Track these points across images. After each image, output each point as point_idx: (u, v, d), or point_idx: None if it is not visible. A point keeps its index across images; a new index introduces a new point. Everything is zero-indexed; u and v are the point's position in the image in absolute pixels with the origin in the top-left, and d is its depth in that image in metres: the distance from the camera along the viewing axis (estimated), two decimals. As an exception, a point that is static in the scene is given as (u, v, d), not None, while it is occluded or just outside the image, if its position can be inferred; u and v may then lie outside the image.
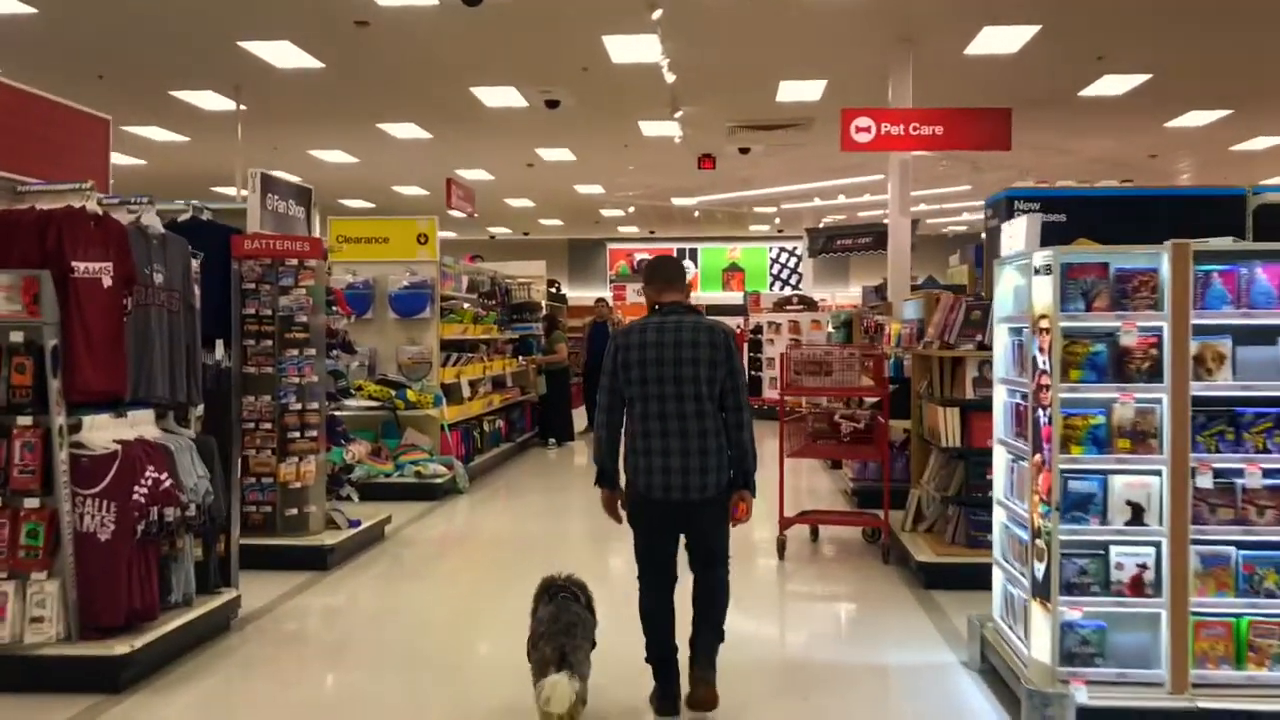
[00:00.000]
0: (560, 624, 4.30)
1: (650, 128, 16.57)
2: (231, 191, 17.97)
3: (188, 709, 4.88)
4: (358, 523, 7.80)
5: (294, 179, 8.69)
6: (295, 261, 7.31)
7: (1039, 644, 4.25)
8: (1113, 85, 13.94)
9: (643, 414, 4.42)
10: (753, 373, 17.91)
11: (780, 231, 31.61)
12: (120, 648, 4.77)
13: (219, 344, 7.01)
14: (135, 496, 4.81)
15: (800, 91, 14.27)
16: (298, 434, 7.31)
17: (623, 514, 4.60)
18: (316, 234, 8.73)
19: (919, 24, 11.46)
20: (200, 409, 5.80)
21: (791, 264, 32.93)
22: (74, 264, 4.83)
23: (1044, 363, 4.20)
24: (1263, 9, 10.91)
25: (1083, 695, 4.08)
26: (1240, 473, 4.15)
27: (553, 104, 14.67)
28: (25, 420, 4.76)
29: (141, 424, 5.22)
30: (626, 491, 4.55)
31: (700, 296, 28.22)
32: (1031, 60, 12.50)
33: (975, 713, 4.75)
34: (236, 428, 7.14)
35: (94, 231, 4.97)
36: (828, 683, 5.24)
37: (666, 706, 4.52)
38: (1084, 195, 7.27)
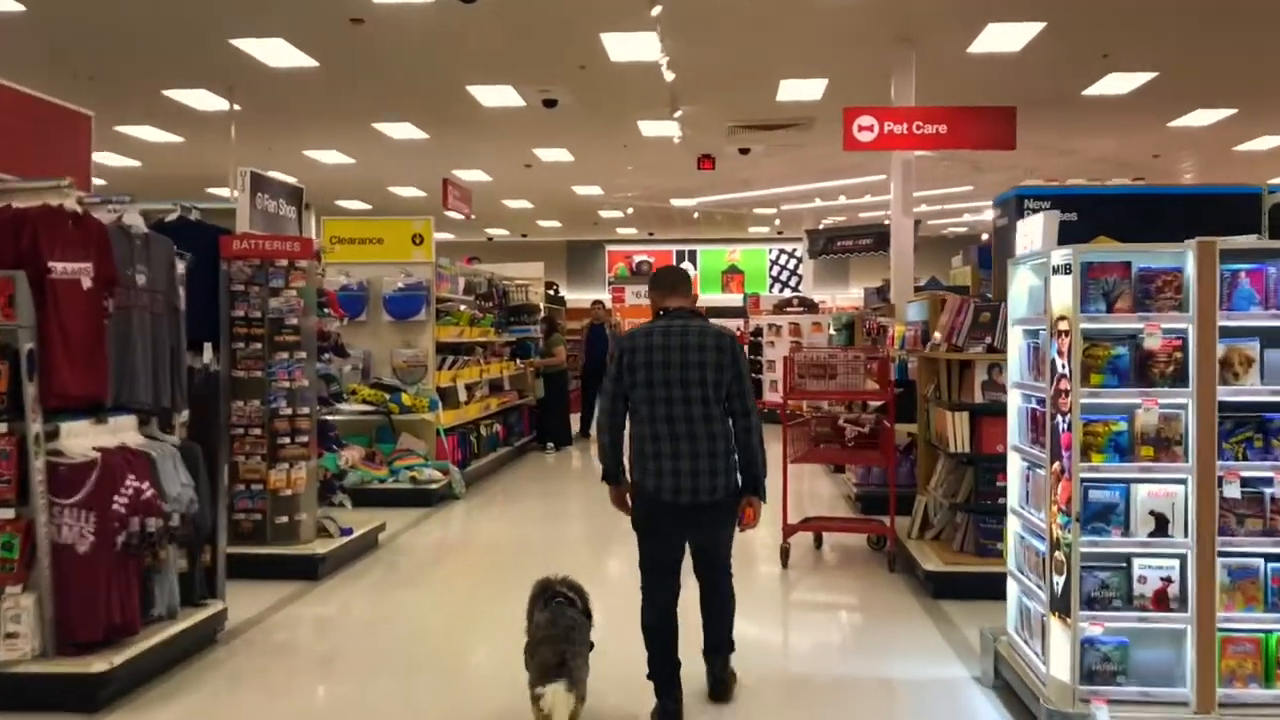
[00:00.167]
0: (558, 629, 4.26)
1: (649, 128, 16.39)
2: (226, 192, 17.80)
3: (170, 727, 4.70)
4: (350, 530, 7.61)
5: (288, 179, 8.51)
6: (285, 262, 7.12)
7: (1058, 661, 4.06)
8: (1117, 84, 13.78)
9: (650, 417, 4.42)
10: (753, 375, 17.71)
11: (780, 233, 31.43)
12: (99, 665, 4.58)
13: (207, 347, 6.82)
14: (115, 506, 4.62)
15: (801, 91, 14.10)
16: (288, 440, 7.13)
17: (630, 505, 4.61)
18: (308, 234, 8.54)
19: (921, 21, 11.29)
20: (185, 415, 5.60)
21: (791, 266, 32.77)
22: (51, 264, 4.65)
23: (1063, 366, 4.01)
24: (1271, 7, 10.75)
25: (1104, 715, 3.90)
26: (1270, 481, 3.97)
27: (550, 103, 14.48)
28: (0, 427, 4.57)
29: (123, 430, 5.04)
30: (634, 494, 4.55)
31: (699, 299, 27.97)
32: (1035, 58, 12.33)
33: (989, 731, 4.58)
34: (225, 433, 6.97)
35: (73, 231, 4.78)
36: (834, 697, 5.07)
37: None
38: (1096, 194, 7.08)
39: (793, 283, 31.82)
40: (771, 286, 32.12)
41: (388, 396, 10.04)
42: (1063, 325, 4.02)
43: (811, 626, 6.59)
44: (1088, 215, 6.39)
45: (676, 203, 24.49)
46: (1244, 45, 12.16)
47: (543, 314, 15.77)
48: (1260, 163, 19.44)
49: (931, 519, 7.20)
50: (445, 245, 28.40)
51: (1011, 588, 4.81)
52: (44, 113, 6.04)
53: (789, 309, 18.76)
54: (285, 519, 7.16)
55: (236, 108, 14.39)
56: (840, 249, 24.08)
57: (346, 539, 7.51)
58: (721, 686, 4.81)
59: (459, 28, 11.24)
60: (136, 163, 19.00)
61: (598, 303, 16.61)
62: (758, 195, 23.03)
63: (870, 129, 11.21)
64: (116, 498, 4.63)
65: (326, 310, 7.77)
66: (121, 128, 16.31)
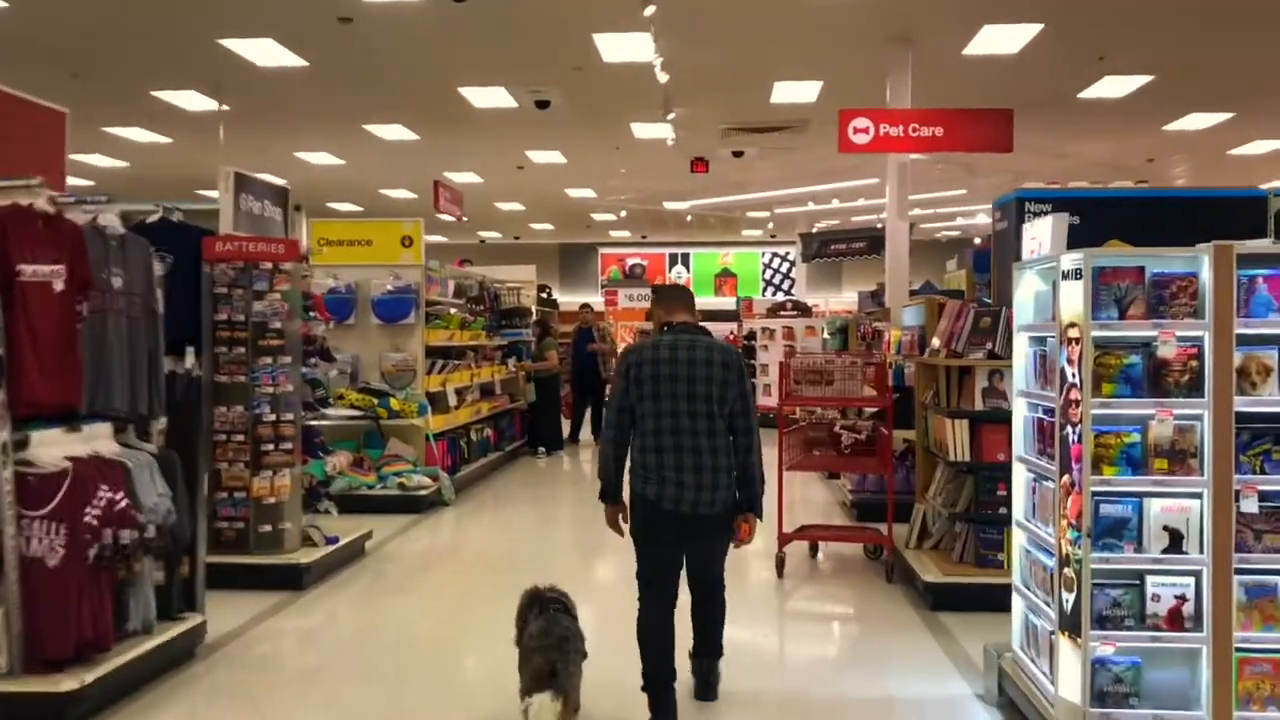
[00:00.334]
0: (552, 638, 4.24)
1: (642, 130, 16.24)
2: (216, 194, 17.60)
3: (144, 747, 4.53)
4: (335, 539, 7.43)
5: (278, 181, 8.33)
6: (270, 265, 6.95)
7: (1067, 681, 3.91)
8: (1113, 87, 13.68)
9: (655, 429, 4.46)
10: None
11: (773, 236, 31.32)
12: (69, 683, 4.39)
13: (189, 351, 6.67)
14: (87, 518, 4.45)
15: (795, 93, 13.97)
16: (272, 446, 6.94)
17: (624, 527, 4.63)
18: (294, 236, 8.36)
19: (918, 22, 11.16)
20: (163, 422, 5.43)
21: (784, 269, 32.69)
22: (20, 266, 4.47)
23: (1073, 375, 3.86)
24: (1268, 8, 10.64)
25: (1116, 738, 3.75)
26: (1289, 496, 3.82)
27: (543, 104, 14.32)
28: (-34, 436, 4.40)
29: (97, 439, 4.86)
30: (632, 505, 4.56)
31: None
32: (1032, 60, 12.21)
33: (994, 752, 4.43)
34: (207, 440, 6.80)
35: (44, 231, 4.61)
36: (831, 713, 4.94)
37: None
38: (1099, 196, 6.95)
39: (785, 286, 31.73)
40: (764, 290, 32.04)
41: (376, 401, 9.86)
42: (1073, 332, 3.86)
43: (807, 638, 6.43)
44: (1090, 218, 6.26)
45: (669, 205, 24.35)
46: (1241, 48, 12.06)
47: (535, 317, 15.60)
48: (1255, 167, 19.36)
49: (930, 528, 7.05)
50: (437, 248, 28.21)
51: (1016, 603, 4.65)
52: (14, 109, 5.85)
53: (782, 313, 18.61)
54: (269, 527, 6.98)
55: (225, 108, 14.23)
56: (834, 252, 23.99)
57: (332, 547, 7.34)
58: (709, 687, 4.91)
59: (450, 27, 11.08)
60: (125, 164, 18.83)
61: (585, 306, 16.44)
62: (751, 198, 22.89)
63: (865, 131, 11.06)
64: (88, 509, 4.45)
65: (312, 313, 7.59)
66: (109, 128, 16.14)
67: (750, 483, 4.56)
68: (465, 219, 19.53)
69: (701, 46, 11.95)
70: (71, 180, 19.69)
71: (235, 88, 13.46)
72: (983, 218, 25.93)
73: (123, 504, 4.62)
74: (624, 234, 31.53)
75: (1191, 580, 3.82)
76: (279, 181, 8.29)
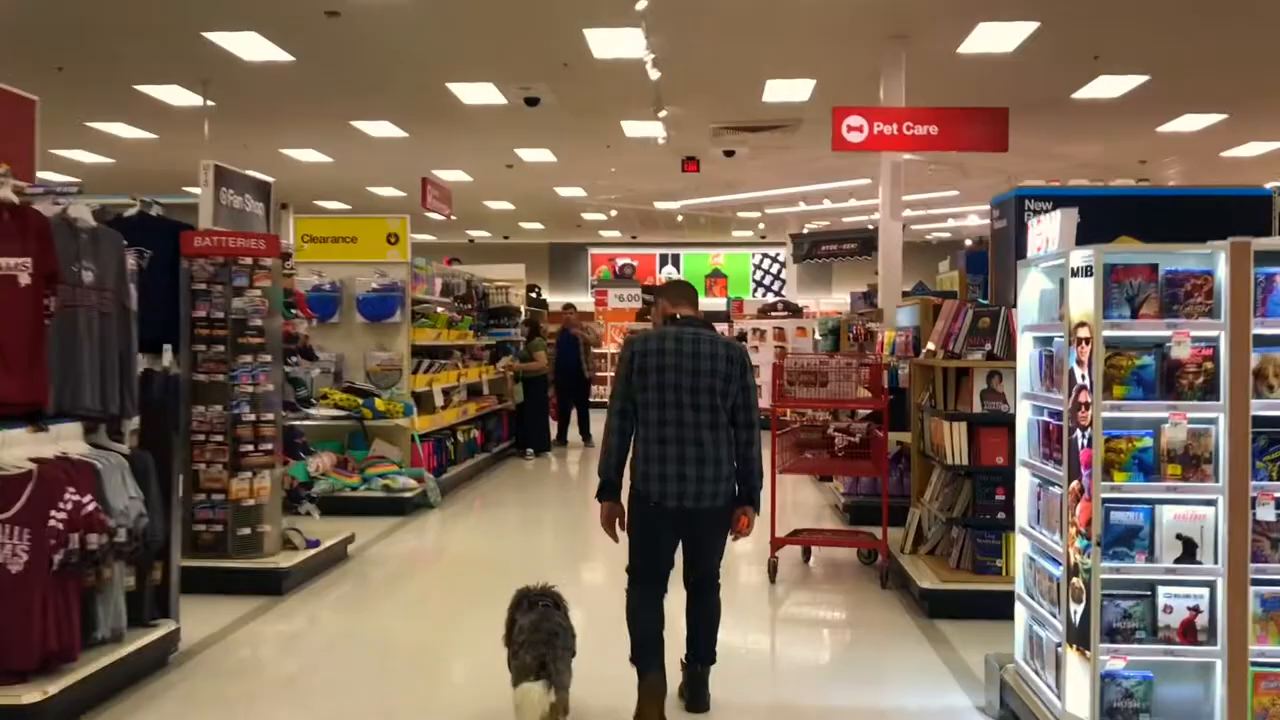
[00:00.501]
0: (542, 633, 4.25)
1: (633, 128, 16.08)
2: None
3: (111, 761, 4.35)
4: (316, 542, 7.23)
5: (258, 175, 8.15)
6: (250, 261, 6.75)
7: (1075, 696, 3.75)
8: (1108, 87, 13.58)
9: (659, 420, 4.46)
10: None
11: (763, 237, 31.19)
12: (31, 695, 4.19)
13: (167, 349, 6.47)
14: (52, 523, 4.25)
15: (788, 91, 13.83)
16: (251, 447, 6.75)
17: (619, 533, 4.60)
18: (275, 233, 8.16)
19: (913, 19, 11.03)
20: (135, 422, 5.24)
21: (774, 270, 32.59)
22: (-18, 259, 4.28)
23: (1083, 377, 3.70)
24: (1267, 11, 10.54)
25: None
26: (1307, 503, 3.66)
27: (532, 101, 14.15)
28: (-74, 436, 4.21)
29: (66, 439, 4.67)
30: (631, 498, 4.56)
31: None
32: (1027, 59, 12.09)
33: (997, 767, 4.27)
34: (184, 441, 6.62)
35: (9, 223, 4.42)
36: (828, 729, 4.76)
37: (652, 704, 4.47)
38: (1100, 195, 6.80)
39: (775, 287, 31.61)
40: (755, 291, 31.94)
41: (360, 401, 9.66)
42: (1083, 332, 3.70)
43: (801, 646, 6.25)
44: (1091, 216, 6.08)
45: (660, 205, 24.19)
46: (1236, 47, 11.98)
47: (524, 317, 15.42)
48: (1247, 168, 19.29)
49: (925, 533, 6.89)
50: (426, 247, 28.03)
51: (1020, 612, 4.48)
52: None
53: (773, 313, 18.46)
54: (248, 530, 6.78)
55: (210, 104, 14.01)
56: (824, 253, 23.88)
57: (313, 551, 7.14)
58: (700, 698, 4.75)
59: (438, 21, 10.92)
60: (110, 160, 18.59)
61: (569, 307, 16.28)
62: (742, 199, 22.75)
63: (859, 129, 10.93)
64: (54, 513, 4.25)
65: (294, 311, 7.41)
66: (93, 123, 15.92)
67: (751, 475, 4.56)
68: (453, 217, 19.36)
69: (694, 43, 11.81)
70: (56, 176, 19.49)
71: (221, 83, 13.25)
72: (974, 219, 25.85)
73: (91, 507, 4.42)
74: (614, 234, 31.37)
75: (1205, 591, 3.66)
76: (261, 176, 8.10)
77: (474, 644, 5.88)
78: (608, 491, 4.58)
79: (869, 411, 8.23)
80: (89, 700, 4.61)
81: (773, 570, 7.15)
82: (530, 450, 13.97)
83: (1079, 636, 3.73)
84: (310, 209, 23.01)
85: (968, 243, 25.97)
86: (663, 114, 14.26)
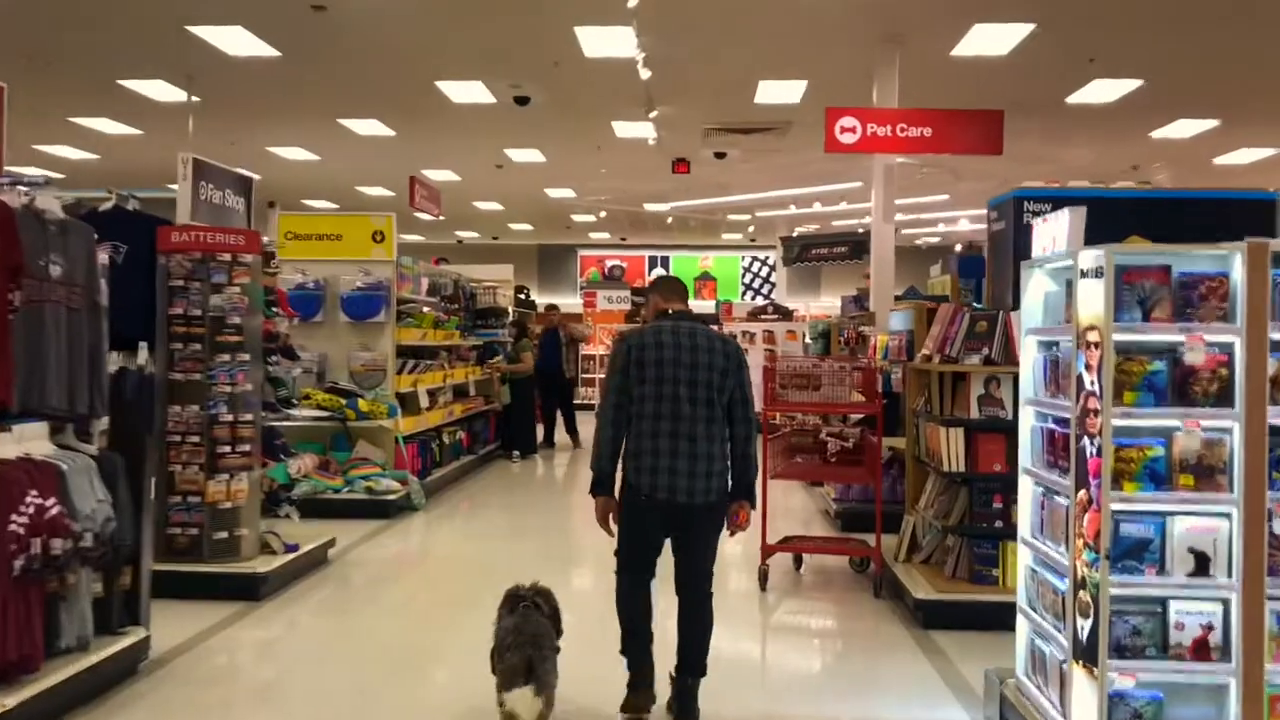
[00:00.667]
0: (525, 634, 4.22)
1: (624, 129, 15.92)
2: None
3: (74, 776, 4.16)
4: (295, 546, 7.04)
5: (244, 171, 7.97)
6: (228, 257, 6.56)
7: (1082, 715, 3.59)
8: (1102, 91, 13.49)
9: (655, 414, 4.44)
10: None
11: (753, 240, 31.07)
12: (-10, 707, 4.02)
13: (142, 347, 6.29)
14: (13, 526, 4.06)
15: (780, 93, 13.69)
16: (228, 448, 6.55)
17: (614, 527, 4.58)
18: (257, 230, 7.98)
19: (907, 20, 10.90)
20: (105, 422, 5.05)
21: (764, 273, 32.47)
22: (-58, 250, 4.09)
23: (1092, 383, 3.55)
24: (1264, 14, 10.45)
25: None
26: (1326, 517, 3.51)
27: (522, 100, 13.98)
28: (-118, 435, 4.02)
29: (31, 439, 4.48)
30: (623, 491, 4.54)
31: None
32: (1022, 62, 11.97)
33: (997, 787, 4.11)
34: (159, 441, 6.43)
35: (-30, 213, 4.23)
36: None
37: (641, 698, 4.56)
38: (1102, 196, 6.65)
39: (765, 290, 31.49)
40: (744, 294, 31.80)
41: (344, 402, 9.47)
42: (1092, 336, 3.55)
43: (793, 658, 6.09)
44: (1093, 220, 5.96)
45: (650, 207, 24.04)
46: (1232, 53, 11.90)
47: (512, 317, 15.23)
48: (1239, 176, 19.22)
49: (920, 541, 6.75)
50: (415, 247, 27.80)
51: (1021, 626, 4.32)
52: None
53: (763, 316, 18.30)
54: (224, 534, 6.59)
55: (195, 99, 13.80)
56: (815, 256, 23.74)
57: (291, 555, 6.95)
58: (689, 712, 4.60)
59: (427, 18, 10.74)
60: (95, 156, 18.35)
61: (552, 307, 16.10)
62: (732, 201, 22.61)
63: (853, 130, 10.79)
64: (15, 517, 4.06)
65: (275, 309, 7.22)
66: (77, 119, 15.69)
67: (748, 472, 4.57)
68: (442, 217, 19.16)
69: (685, 43, 11.67)
70: (41, 172, 19.22)
71: (205, 78, 13.05)
72: (965, 224, 25.75)
73: (54, 511, 4.24)
74: (603, 235, 31.20)
75: (1219, 607, 3.50)
76: (243, 171, 7.92)
77: (458, 650, 5.74)
78: (602, 486, 4.54)
79: (860, 416, 8.08)
80: (52, 712, 4.42)
81: (764, 578, 6.99)
82: (517, 452, 13.78)
83: (1086, 653, 3.57)
84: (298, 208, 22.76)
85: (958, 248, 25.94)
86: (653, 114, 14.12)
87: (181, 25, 11.01)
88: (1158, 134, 16.10)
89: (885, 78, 11.59)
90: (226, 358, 6.56)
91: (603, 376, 4.89)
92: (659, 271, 32.67)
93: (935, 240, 28.72)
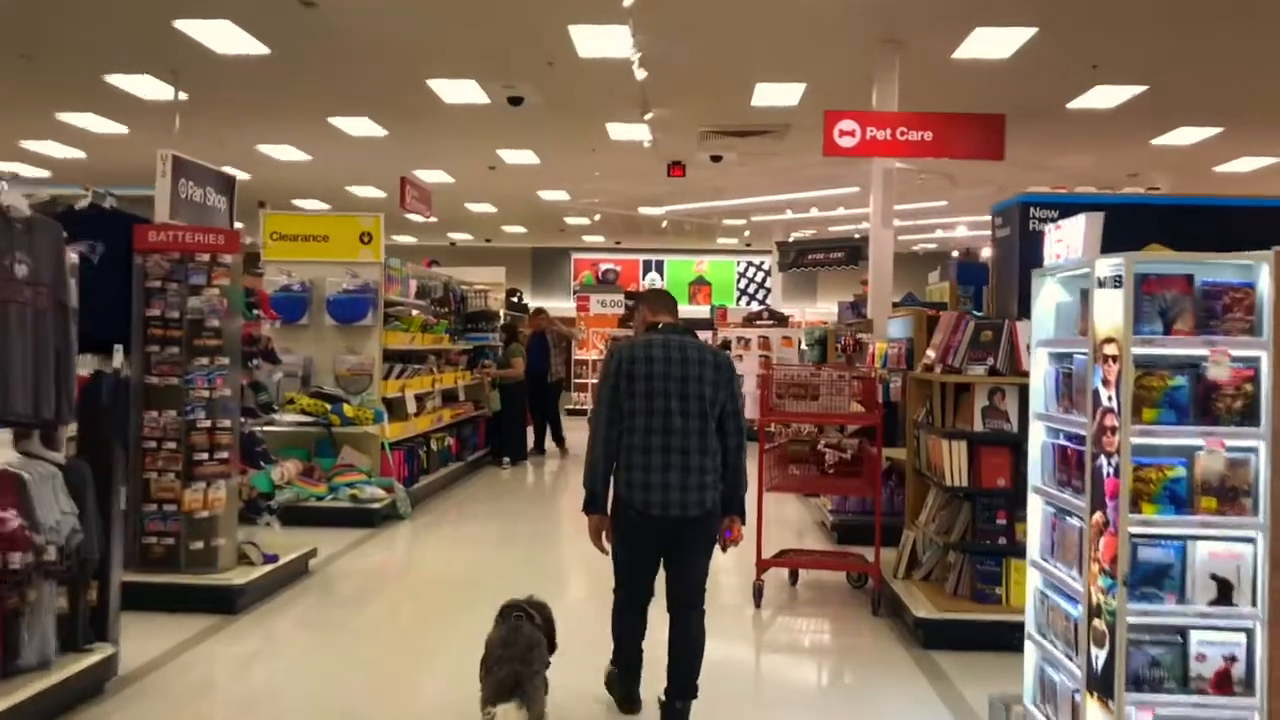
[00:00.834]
0: (515, 648, 4.17)
1: (618, 130, 15.74)
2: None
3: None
4: (275, 557, 6.81)
5: (227, 170, 7.75)
6: (208, 257, 6.35)
7: (1096, 751, 3.40)
8: (1105, 97, 13.37)
9: (646, 428, 4.43)
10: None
11: (748, 245, 30.90)
12: (-61, 732, 3.80)
13: (118, 350, 6.07)
14: (-32, 540, 3.85)
15: (777, 95, 13.53)
16: (206, 455, 6.33)
17: (607, 545, 4.55)
18: (242, 228, 7.77)
19: (908, 23, 10.74)
20: (73, 428, 4.84)
21: (759, 279, 32.32)
22: (-104, 248, 3.88)
23: (1109, 398, 3.35)
24: (1268, 22, 10.30)
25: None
26: (1354, 542, 3.31)
27: (515, 101, 13.79)
28: None
29: (-9, 447, 4.27)
30: (615, 507, 4.51)
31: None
32: (1024, 66, 11.82)
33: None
34: (134, 448, 6.22)
35: (-72, 209, 4.02)
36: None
37: (630, 708, 4.72)
38: (1111, 203, 6.45)
39: (760, 295, 31.34)
40: (739, 299, 31.66)
41: (329, 407, 9.24)
42: (1109, 349, 3.35)
43: (788, 678, 5.86)
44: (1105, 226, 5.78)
45: (645, 211, 23.85)
46: (1235, 61, 11.77)
47: (503, 321, 15.00)
48: (1241, 184, 19.09)
49: (920, 557, 6.54)
50: (407, 249, 27.61)
51: (1030, 652, 4.12)
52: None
53: (758, 322, 18.10)
54: (200, 544, 6.36)
55: (183, 96, 13.59)
56: (811, 262, 23.56)
57: (270, 566, 6.72)
58: None
59: (418, 15, 10.56)
60: (81, 154, 18.12)
61: (539, 311, 15.89)
62: (728, 205, 22.44)
63: (852, 134, 10.63)
64: (-30, 530, 3.86)
65: (256, 312, 6.99)
66: (62, 115, 15.45)
67: (740, 486, 4.57)
68: (433, 218, 18.95)
69: (682, 43, 11.49)
70: (27, 169, 18.94)
71: (193, 74, 12.84)
72: (963, 230, 25.63)
73: (15, 523, 4.04)
74: (597, 239, 31.01)
75: (1243, 638, 3.31)
76: (225, 169, 7.71)
77: (443, 664, 5.58)
78: (595, 504, 4.50)
79: (858, 427, 7.88)
80: (10, 735, 4.21)
81: (758, 594, 6.78)
82: (507, 459, 13.55)
83: (1101, 685, 3.37)
84: (288, 208, 22.53)
85: (955, 254, 25.80)
86: (649, 116, 13.93)
87: (168, 20, 10.80)
88: (1159, 141, 15.99)
89: (885, 80, 11.43)
90: (205, 361, 6.34)
91: (595, 382, 4.78)
92: (653, 277, 32.55)
93: (932, 247, 28.59)
